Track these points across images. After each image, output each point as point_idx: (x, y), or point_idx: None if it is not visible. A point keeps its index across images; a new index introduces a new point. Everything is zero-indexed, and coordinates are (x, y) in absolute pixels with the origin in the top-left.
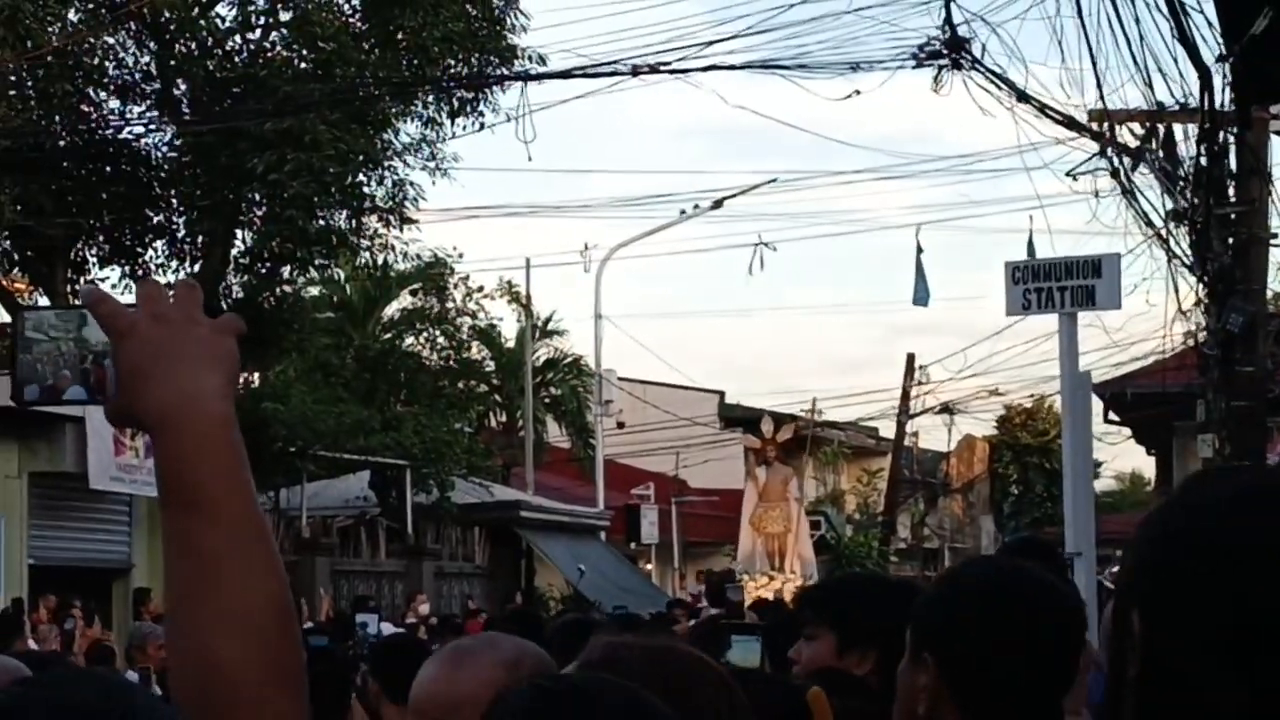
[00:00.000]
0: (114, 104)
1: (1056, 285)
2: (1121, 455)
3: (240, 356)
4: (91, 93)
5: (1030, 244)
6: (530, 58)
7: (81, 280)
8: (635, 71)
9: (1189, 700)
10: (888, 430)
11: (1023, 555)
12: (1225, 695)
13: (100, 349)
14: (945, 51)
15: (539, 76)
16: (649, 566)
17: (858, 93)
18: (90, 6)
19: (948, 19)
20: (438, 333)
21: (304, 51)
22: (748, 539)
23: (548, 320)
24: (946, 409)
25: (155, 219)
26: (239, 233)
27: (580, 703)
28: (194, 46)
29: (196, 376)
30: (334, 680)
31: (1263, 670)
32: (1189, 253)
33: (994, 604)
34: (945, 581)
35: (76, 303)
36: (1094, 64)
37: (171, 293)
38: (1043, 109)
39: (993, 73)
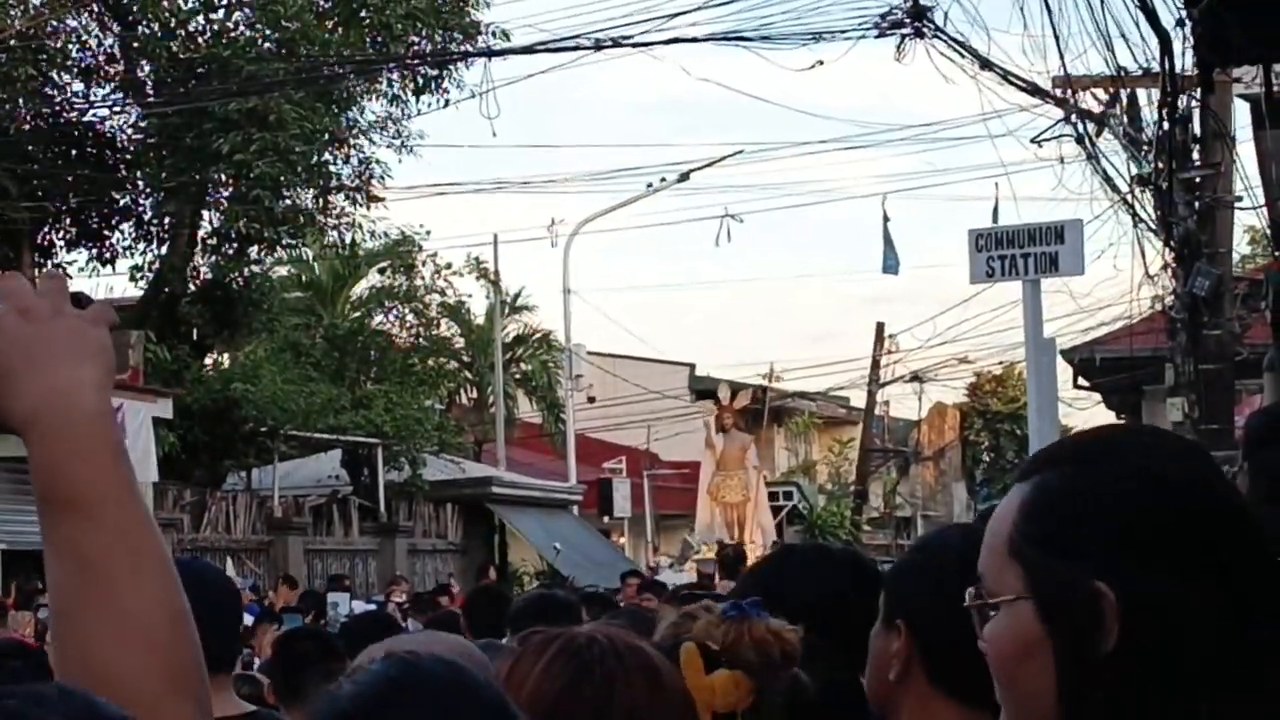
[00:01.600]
0: (78, 87)
1: (1020, 252)
2: (1091, 420)
3: (210, 337)
4: (55, 76)
5: (995, 211)
6: (494, 33)
7: (49, 264)
8: (598, 45)
9: (1180, 653)
10: (858, 400)
11: None
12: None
13: None
14: (907, 20)
15: (502, 52)
16: (622, 540)
17: (821, 63)
18: None
19: None
20: (407, 310)
21: (267, 31)
22: (705, 509)
23: (516, 296)
24: (916, 377)
25: (121, 201)
26: (206, 214)
27: (400, 687)
28: (157, 28)
29: (66, 371)
30: (321, 658)
31: (1240, 584)
32: (1154, 217)
33: (967, 571)
34: (918, 549)
35: None
36: (1055, 30)
37: (37, 285)
38: (1006, 76)
39: (955, 41)
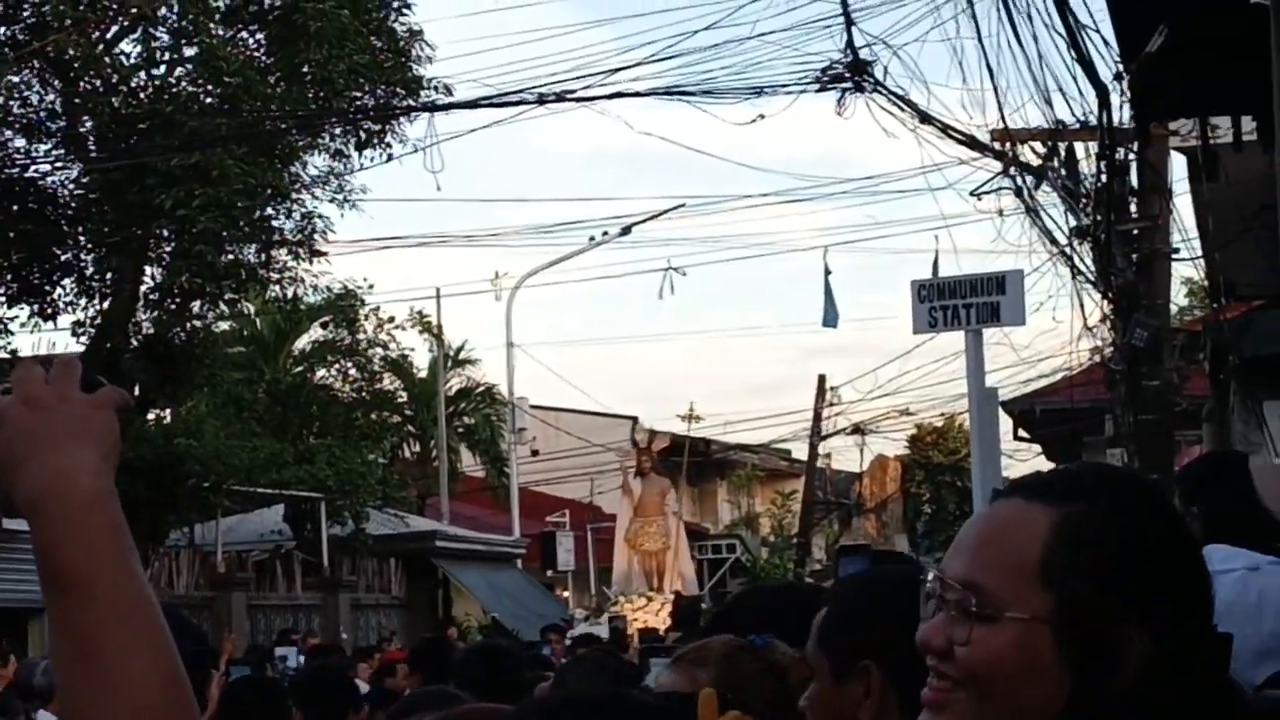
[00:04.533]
0: (20, 142)
1: (962, 303)
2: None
3: (152, 392)
4: None
5: (935, 264)
6: (436, 88)
7: None
8: (542, 100)
9: (1194, 696)
10: (800, 452)
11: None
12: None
13: None
14: (848, 75)
15: (445, 107)
16: (566, 594)
17: (762, 117)
18: None
19: (849, 42)
20: (349, 364)
21: (209, 86)
22: (623, 558)
23: (459, 350)
24: (858, 429)
25: (63, 257)
26: (148, 269)
27: None
28: (99, 83)
29: (66, 455)
30: (269, 706)
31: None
32: (1093, 269)
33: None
34: (858, 592)
35: None
36: (994, 84)
37: (49, 372)
38: (945, 129)
39: (895, 94)
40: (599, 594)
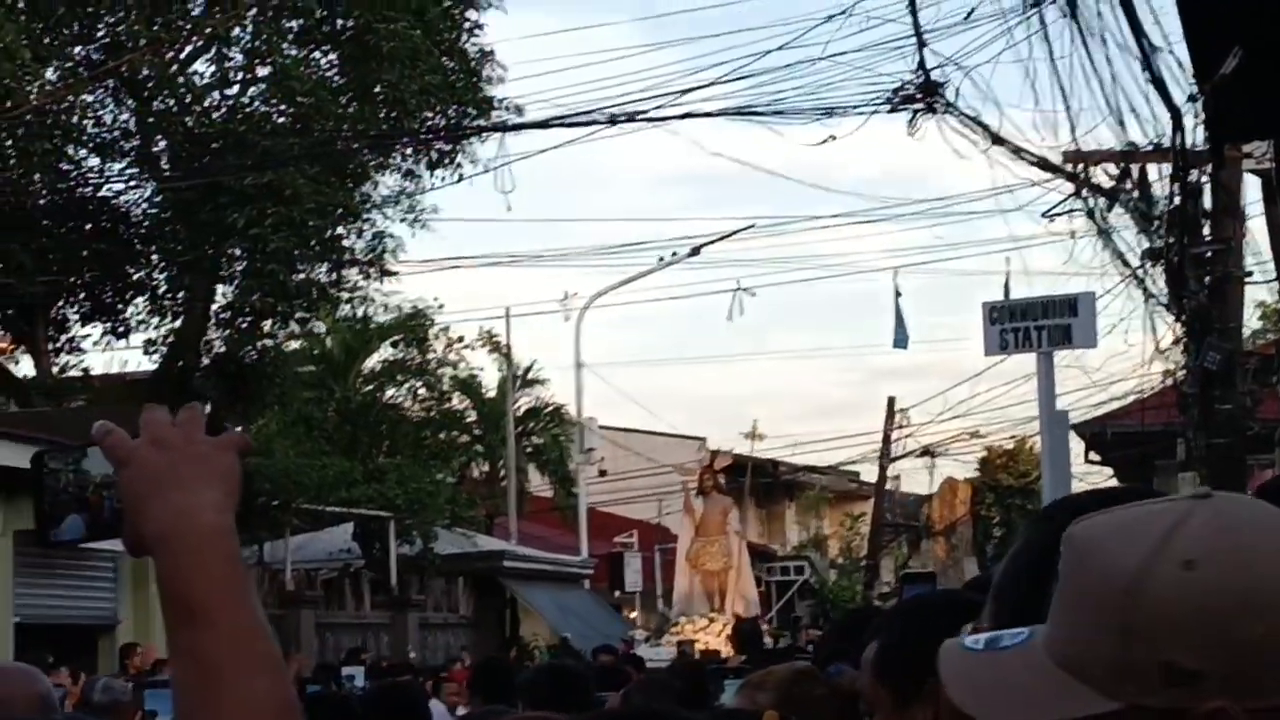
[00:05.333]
0: (93, 161)
1: (1034, 325)
2: None
3: (222, 411)
4: (71, 150)
5: (1007, 286)
6: (508, 108)
7: (62, 338)
8: (613, 120)
9: None
10: (869, 474)
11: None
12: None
13: (100, 480)
14: (919, 96)
15: (516, 127)
16: (634, 614)
17: (833, 138)
18: (69, 65)
19: (921, 63)
20: (419, 384)
21: (282, 106)
22: (684, 578)
23: (528, 369)
24: (928, 452)
25: (136, 275)
26: (219, 288)
27: None
28: (172, 103)
29: (191, 493)
30: None
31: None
32: (1165, 292)
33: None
34: (906, 619)
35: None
36: (1067, 106)
37: (174, 418)
38: (1017, 151)
39: (967, 116)
40: (658, 615)
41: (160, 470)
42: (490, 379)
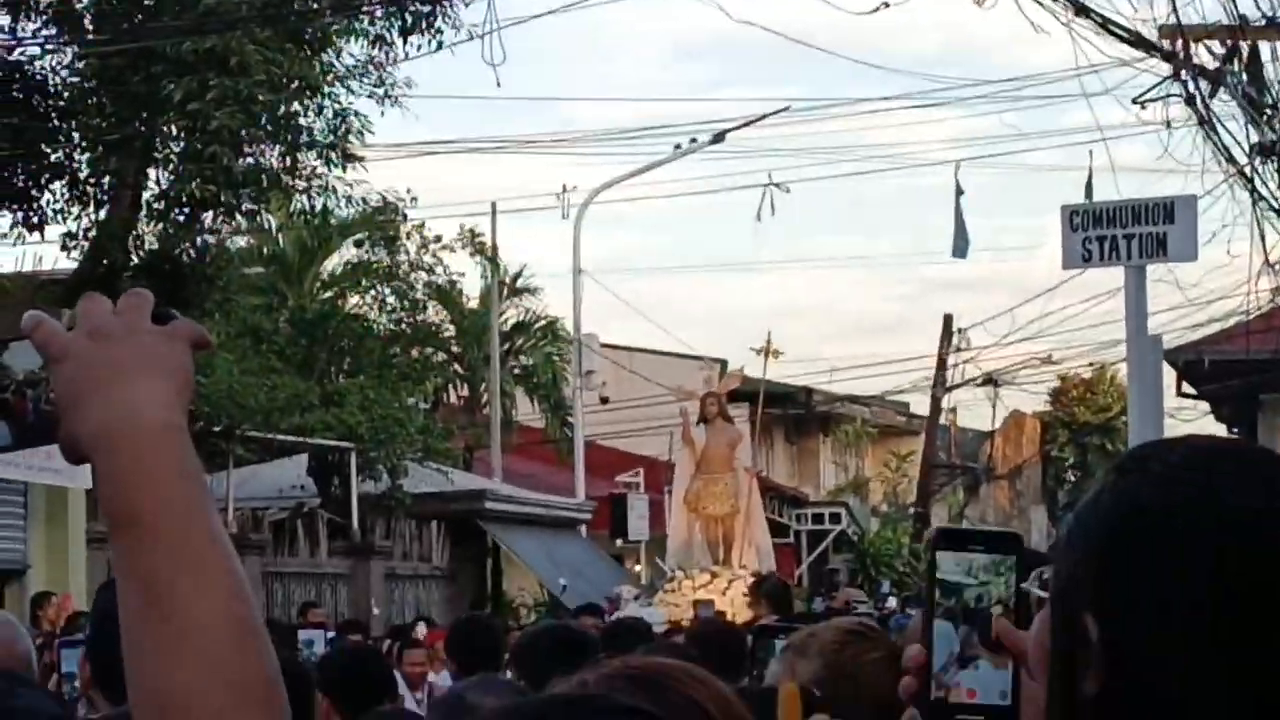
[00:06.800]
0: (3, 20)
1: (1122, 233)
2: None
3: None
4: None
5: (1089, 184)
6: None
7: None
8: None
9: (1166, 711)
10: (920, 406)
11: None
12: (1208, 698)
13: (24, 378)
14: None
15: None
16: (638, 568)
17: (886, 4)
18: None
19: None
20: (387, 291)
21: None
22: (682, 524)
23: (517, 276)
24: (990, 380)
25: (53, 156)
26: (152, 172)
27: None
28: None
29: (135, 389)
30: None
31: (1246, 659)
32: (1277, 194)
33: None
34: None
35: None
36: None
37: (116, 304)
38: (1105, 24)
39: None
40: (653, 568)
41: (100, 364)
42: (472, 286)
